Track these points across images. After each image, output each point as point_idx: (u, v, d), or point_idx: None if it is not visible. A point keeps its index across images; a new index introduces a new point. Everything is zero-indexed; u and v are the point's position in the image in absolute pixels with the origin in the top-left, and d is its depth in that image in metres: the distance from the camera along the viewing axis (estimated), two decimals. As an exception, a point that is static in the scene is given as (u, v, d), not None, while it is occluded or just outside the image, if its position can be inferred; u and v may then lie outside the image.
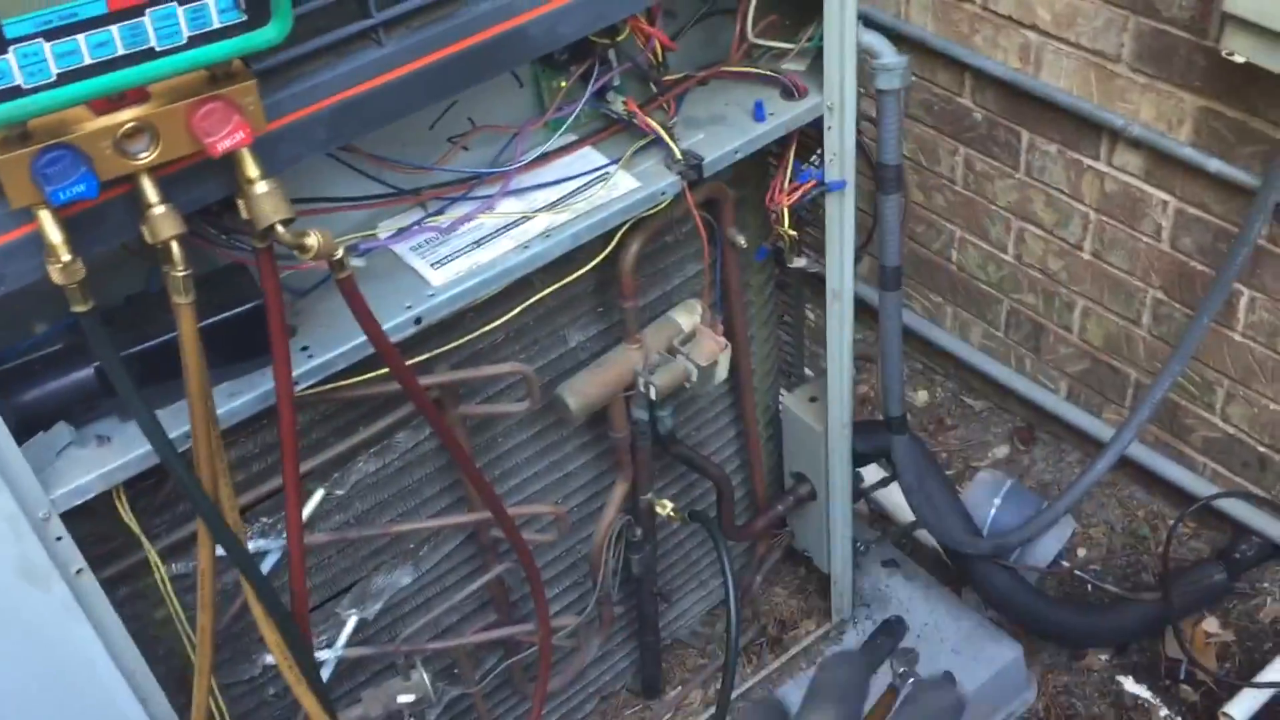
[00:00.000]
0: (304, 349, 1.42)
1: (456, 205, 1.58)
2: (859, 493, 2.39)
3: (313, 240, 1.17)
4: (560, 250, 1.58)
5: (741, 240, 1.90)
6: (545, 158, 1.65)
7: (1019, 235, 2.81)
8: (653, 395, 1.84)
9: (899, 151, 1.83)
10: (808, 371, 2.34)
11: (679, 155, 1.64)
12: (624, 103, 1.66)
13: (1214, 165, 2.28)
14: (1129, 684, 2.47)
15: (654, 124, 1.65)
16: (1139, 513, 2.79)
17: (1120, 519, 2.78)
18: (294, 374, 1.37)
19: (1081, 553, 2.73)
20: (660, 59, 1.64)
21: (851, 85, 1.75)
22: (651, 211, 1.66)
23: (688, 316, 1.89)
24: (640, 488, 2.03)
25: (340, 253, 1.22)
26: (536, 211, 1.59)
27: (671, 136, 1.65)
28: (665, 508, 2.02)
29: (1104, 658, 2.51)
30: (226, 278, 1.40)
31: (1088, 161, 2.56)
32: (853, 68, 1.73)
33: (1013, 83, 2.60)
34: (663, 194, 1.65)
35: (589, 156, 1.67)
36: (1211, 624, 2.51)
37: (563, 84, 1.63)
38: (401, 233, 1.55)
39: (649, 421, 1.93)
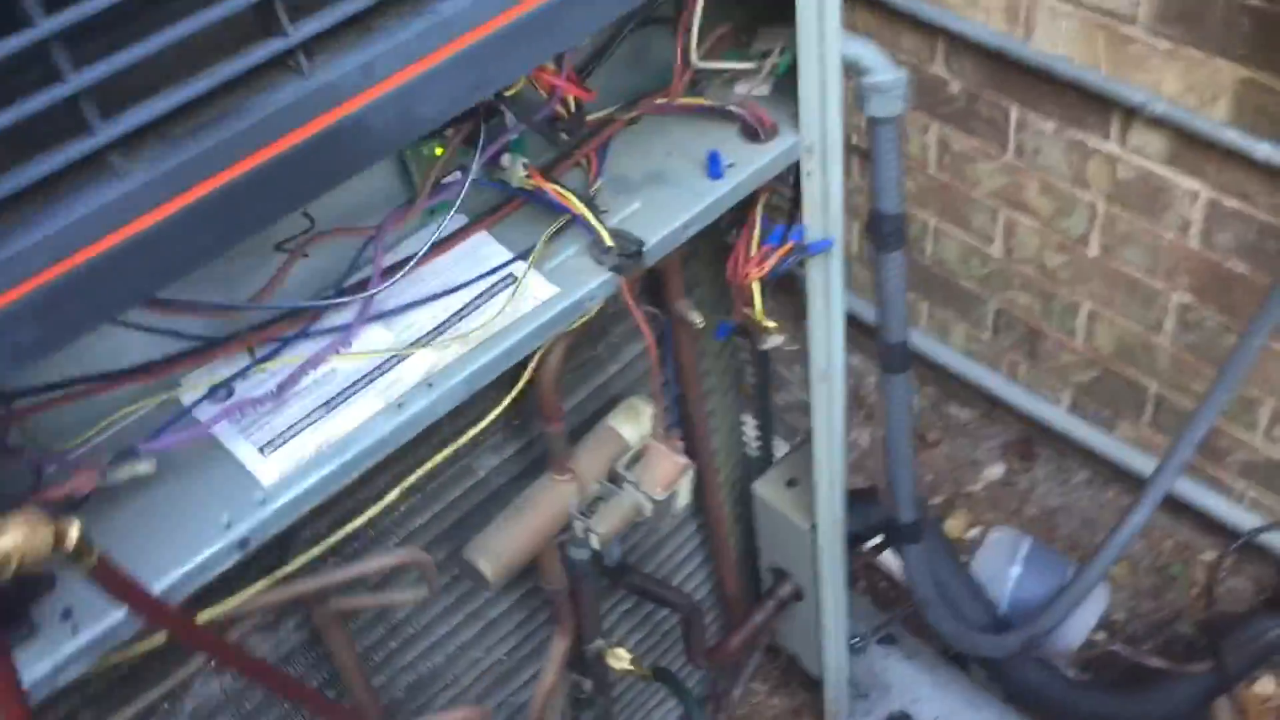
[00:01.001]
0: (66, 615, 0.93)
1: (293, 346, 1.09)
2: (853, 574, 1.96)
3: (6, 544, 0.68)
4: (450, 404, 1.09)
5: (696, 318, 1.42)
6: (421, 259, 1.15)
7: (1008, 226, 2.37)
8: (595, 545, 1.37)
9: (901, 197, 1.37)
10: (778, 442, 1.89)
11: (609, 241, 1.16)
12: (525, 168, 1.18)
13: (1263, 150, 1.85)
14: (1180, 768, 2.09)
15: (570, 199, 1.16)
16: (1165, 544, 2.39)
17: (1145, 553, 2.39)
18: (44, 667, 0.89)
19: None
20: (573, 110, 1.15)
21: (836, 116, 1.27)
22: (578, 322, 1.18)
23: (633, 427, 1.42)
24: (586, 635, 1.57)
25: (73, 537, 0.74)
26: (412, 347, 1.10)
27: (596, 213, 1.17)
28: (621, 660, 1.57)
29: (1149, 740, 2.12)
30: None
31: (1094, 143, 2.11)
32: (838, 93, 1.26)
33: (998, 49, 2.13)
34: (591, 300, 1.17)
35: (484, 250, 1.18)
36: (1267, 685, 2.13)
37: (439, 152, 1.14)
38: (210, 396, 1.05)
39: (590, 560, 1.46)
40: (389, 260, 1.13)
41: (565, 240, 1.19)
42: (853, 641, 2.07)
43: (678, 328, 1.46)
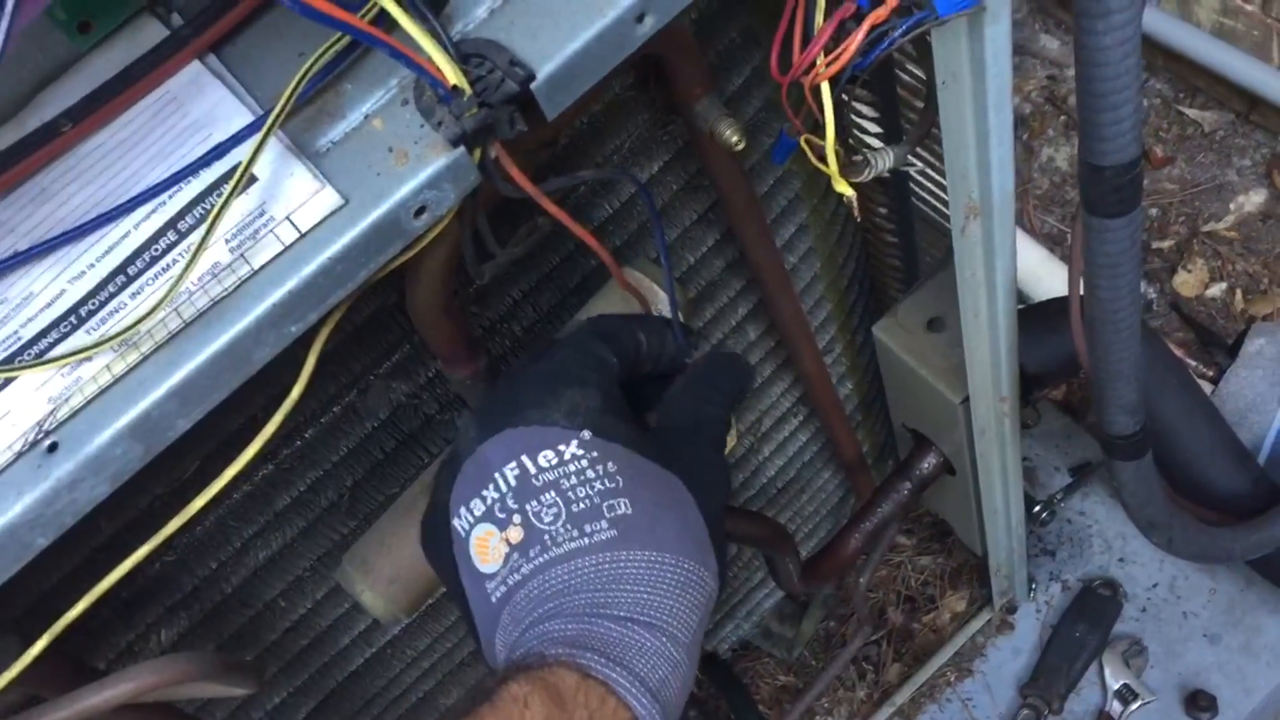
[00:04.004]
0: None
1: None
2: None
3: None
4: (105, 485, 0.51)
5: (733, 135, 0.76)
6: (76, 126, 0.54)
7: None
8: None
9: (1139, 129, 0.64)
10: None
11: (453, 77, 0.51)
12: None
13: None
14: None
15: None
16: None
17: None
18: None
19: None
20: None
21: None
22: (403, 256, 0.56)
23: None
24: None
25: None
26: (16, 365, 0.51)
27: (424, 12, 0.51)
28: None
29: None
30: None
31: None
32: None
33: None
34: (425, 209, 0.53)
35: (199, 105, 0.55)
36: None
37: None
38: None
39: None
40: None
41: (364, 79, 0.55)
42: (1034, 511, 1.48)
43: (707, 146, 0.81)
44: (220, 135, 0.54)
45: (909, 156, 0.82)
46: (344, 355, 0.79)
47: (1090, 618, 1.48)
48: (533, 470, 0.57)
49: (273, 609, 0.91)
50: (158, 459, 0.67)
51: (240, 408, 0.74)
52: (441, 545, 0.62)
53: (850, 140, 1.08)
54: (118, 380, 0.50)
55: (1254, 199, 1.87)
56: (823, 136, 0.70)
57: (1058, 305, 1.19)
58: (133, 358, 0.50)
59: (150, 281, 0.51)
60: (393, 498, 0.88)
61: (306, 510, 0.86)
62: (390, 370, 0.83)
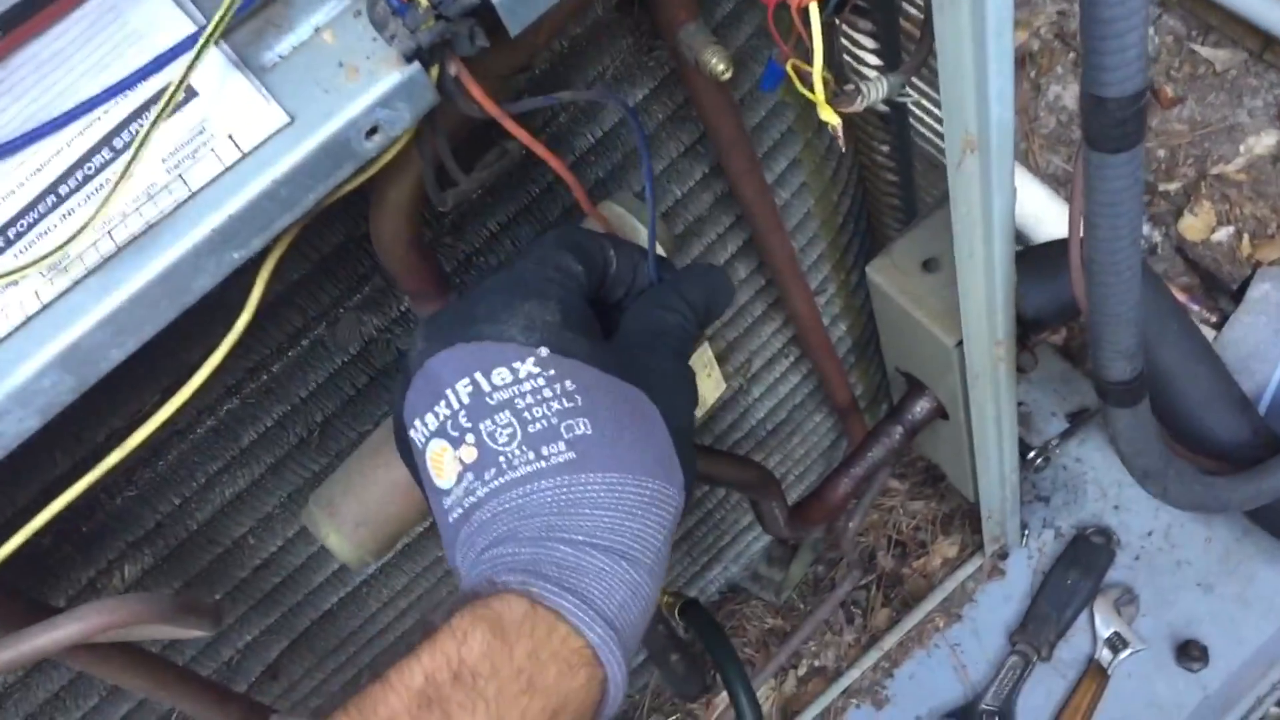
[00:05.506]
0: None
1: None
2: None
3: None
4: (32, 419, 0.48)
5: (720, 64, 0.72)
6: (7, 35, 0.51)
7: None
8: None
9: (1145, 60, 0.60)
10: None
11: (408, -16, 0.47)
12: None
13: None
14: None
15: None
16: None
17: None
18: None
19: None
20: None
21: None
22: (373, 166, 0.53)
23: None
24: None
25: None
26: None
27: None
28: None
29: None
30: None
31: None
32: None
33: None
34: (378, 130, 0.50)
35: (138, 13, 0.52)
36: None
37: None
38: None
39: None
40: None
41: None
42: (1029, 457, 1.45)
43: (693, 74, 0.77)
44: (161, 46, 0.50)
45: (906, 88, 0.79)
46: (312, 286, 0.76)
47: (1082, 565, 1.46)
48: (486, 388, 0.55)
49: (241, 547, 0.88)
50: (115, 391, 0.64)
51: (200, 339, 0.71)
52: (407, 452, 0.60)
53: (849, 72, 1.03)
54: (46, 307, 0.47)
55: (1265, 141, 1.82)
56: (812, 63, 0.66)
57: (1057, 247, 1.15)
58: (63, 283, 0.47)
59: (83, 202, 0.48)
60: (364, 435, 0.86)
61: (274, 446, 0.83)
62: (361, 302, 0.80)
